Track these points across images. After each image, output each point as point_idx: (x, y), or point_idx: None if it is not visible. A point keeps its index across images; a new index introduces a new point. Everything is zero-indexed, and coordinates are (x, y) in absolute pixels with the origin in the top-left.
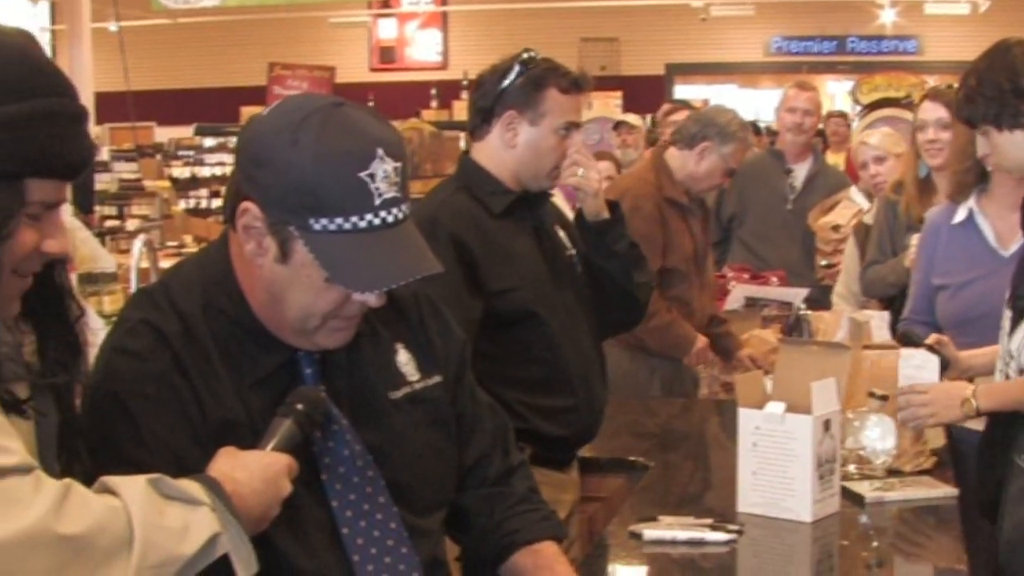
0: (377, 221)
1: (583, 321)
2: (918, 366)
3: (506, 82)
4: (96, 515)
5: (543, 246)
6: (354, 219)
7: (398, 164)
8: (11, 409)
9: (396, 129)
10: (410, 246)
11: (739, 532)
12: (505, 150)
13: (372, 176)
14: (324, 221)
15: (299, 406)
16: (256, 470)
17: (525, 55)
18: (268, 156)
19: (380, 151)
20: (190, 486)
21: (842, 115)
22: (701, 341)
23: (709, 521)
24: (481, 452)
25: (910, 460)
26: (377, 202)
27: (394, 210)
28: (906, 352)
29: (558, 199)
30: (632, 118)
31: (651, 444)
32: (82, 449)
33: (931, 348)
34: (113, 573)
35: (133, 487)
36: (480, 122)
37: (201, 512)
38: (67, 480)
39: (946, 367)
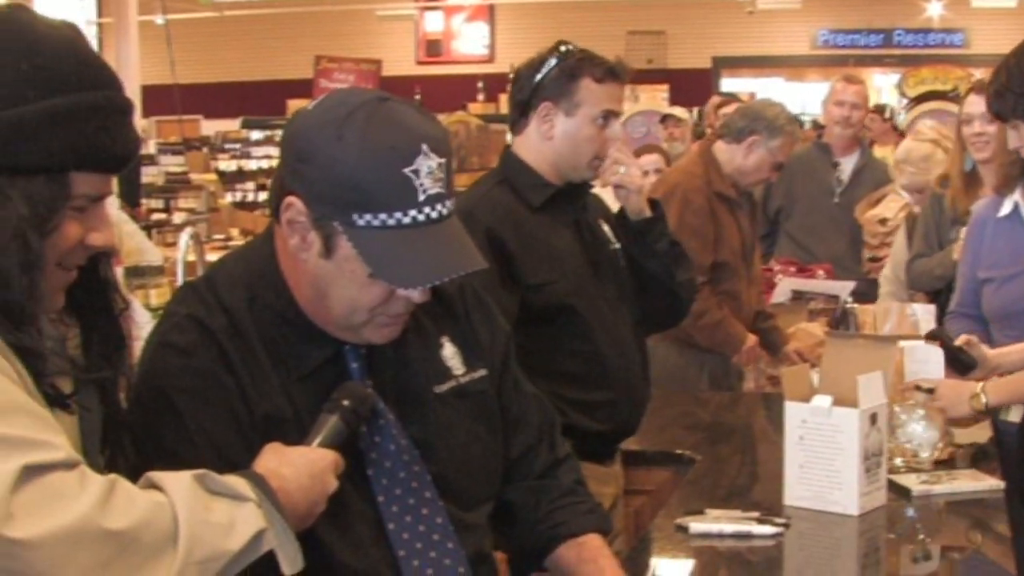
0: (421, 217)
1: (625, 315)
2: (922, 360)
3: (541, 74)
4: (141, 510)
5: (584, 240)
6: (398, 215)
7: (443, 160)
8: (55, 404)
9: (441, 124)
10: (454, 242)
11: (786, 525)
12: (543, 142)
13: (416, 172)
14: (368, 217)
15: (345, 402)
16: (302, 466)
17: (561, 47)
18: (312, 151)
19: (425, 147)
20: (236, 482)
21: (878, 110)
22: (751, 340)
23: (756, 514)
24: (527, 445)
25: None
26: (421, 198)
27: (438, 206)
28: (909, 346)
29: (605, 193)
30: (679, 111)
31: (698, 437)
32: (126, 444)
33: (959, 349)
34: (158, 568)
35: (179, 483)
36: (519, 116)
37: (247, 508)
38: (112, 475)
39: (973, 367)
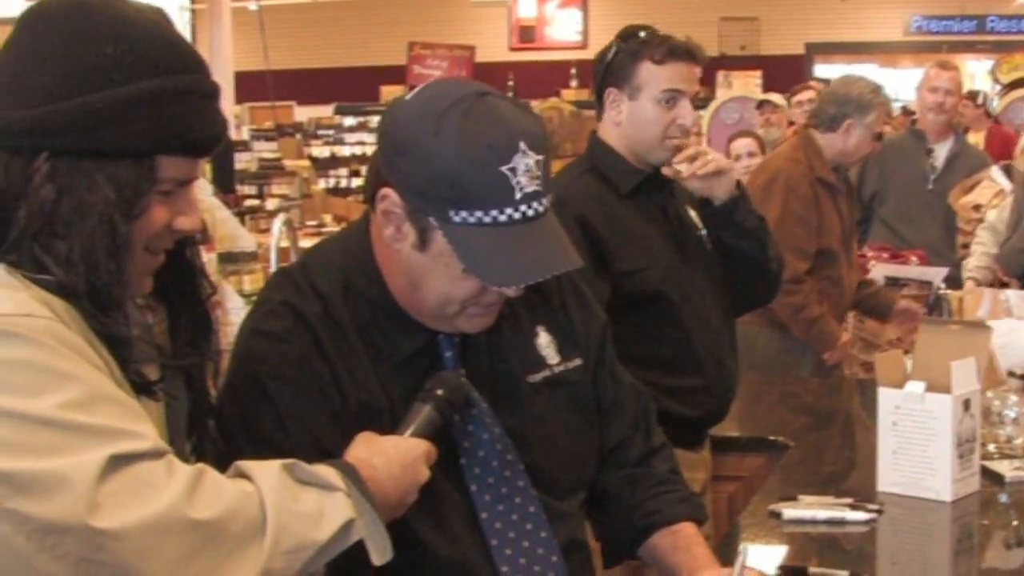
0: (517, 215)
1: (713, 301)
2: (1006, 333)
3: (606, 61)
4: (229, 500)
5: (671, 226)
6: (494, 212)
7: (540, 157)
8: (141, 391)
9: (540, 120)
10: (549, 241)
11: (879, 511)
12: (615, 128)
13: (514, 170)
14: (464, 213)
15: (439, 392)
16: (393, 456)
17: (627, 33)
18: (410, 144)
19: (523, 144)
20: (326, 471)
21: (972, 96)
22: (844, 339)
23: (849, 500)
24: (622, 435)
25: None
26: (518, 196)
27: (535, 204)
28: (995, 323)
29: None
30: (776, 97)
31: (796, 423)
32: (213, 430)
33: None
34: (246, 558)
35: (267, 472)
36: (597, 103)
37: (336, 498)
38: (200, 465)
39: None
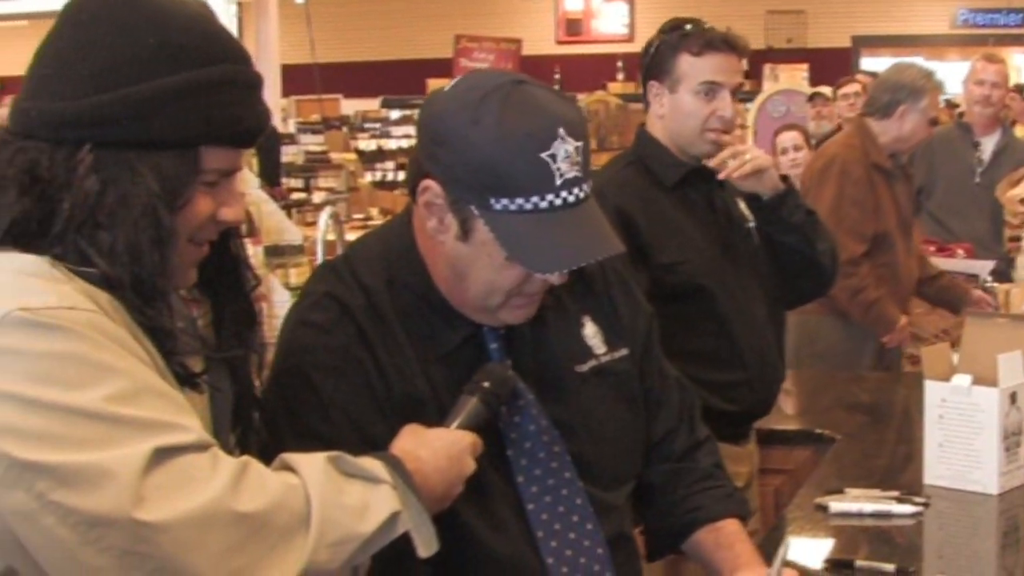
0: (558, 201)
1: (758, 294)
2: None
3: (649, 54)
4: (273, 493)
5: (717, 219)
6: (535, 199)
7: (579, 143)
8: (185, 383)
9: (577, 106)
10: (591, 226)
11: (925, 504)
12: (659, 120)
13: (553, 156)
14: (505, 201)
15: (486, 384)
16: (440, 448)
17: (673, 26)
18: (449, 135)
19: (562, 130)
20: (371, 464)
21: (1019, 90)
22: (903, 321)
23: (896, 493)
24: (667, 428)
25: None
26: (558, 182)
27: (575, 190)
28: None
29: None
30: (827, 90)
31: (846, 421)
32: (258, 422)
33: None
34: (290, 551)
35: (312, 464)
36: (644, 96)
37: (381, 490)
38: (245, 458)
39: None
